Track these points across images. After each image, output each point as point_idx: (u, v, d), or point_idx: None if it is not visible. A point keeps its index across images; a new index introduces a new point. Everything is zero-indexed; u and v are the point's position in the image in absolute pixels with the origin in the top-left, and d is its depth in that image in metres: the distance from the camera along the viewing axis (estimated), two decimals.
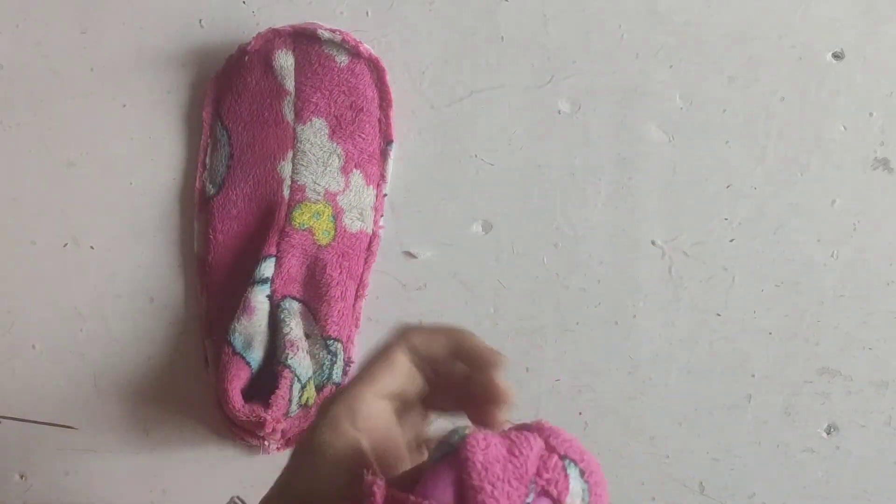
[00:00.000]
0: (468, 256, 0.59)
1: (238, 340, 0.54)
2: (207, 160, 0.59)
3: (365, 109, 0.57)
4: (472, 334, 0.37)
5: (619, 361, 0.58)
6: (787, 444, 0.58)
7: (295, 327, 0.55)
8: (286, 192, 0.57)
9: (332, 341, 0.55)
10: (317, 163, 0.57)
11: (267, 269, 0.56)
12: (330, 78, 0.57)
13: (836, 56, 0.57)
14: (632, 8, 0.58)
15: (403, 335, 0.37)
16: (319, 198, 0.57)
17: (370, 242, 0.58)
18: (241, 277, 0.57)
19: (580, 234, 0.58)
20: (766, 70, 0.57)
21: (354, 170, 0.57)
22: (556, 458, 0.31)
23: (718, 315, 0.58)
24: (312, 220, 0.57)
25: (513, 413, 0.36)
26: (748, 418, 0.58)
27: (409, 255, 0.59)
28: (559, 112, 0.58)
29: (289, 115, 0.57)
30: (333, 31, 0.56)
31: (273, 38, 0.56)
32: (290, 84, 0.57)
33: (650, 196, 0.58)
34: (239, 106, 0.57)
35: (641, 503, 0.59)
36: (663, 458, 0.59)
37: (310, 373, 0.55)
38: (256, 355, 0.55)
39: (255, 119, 0.57)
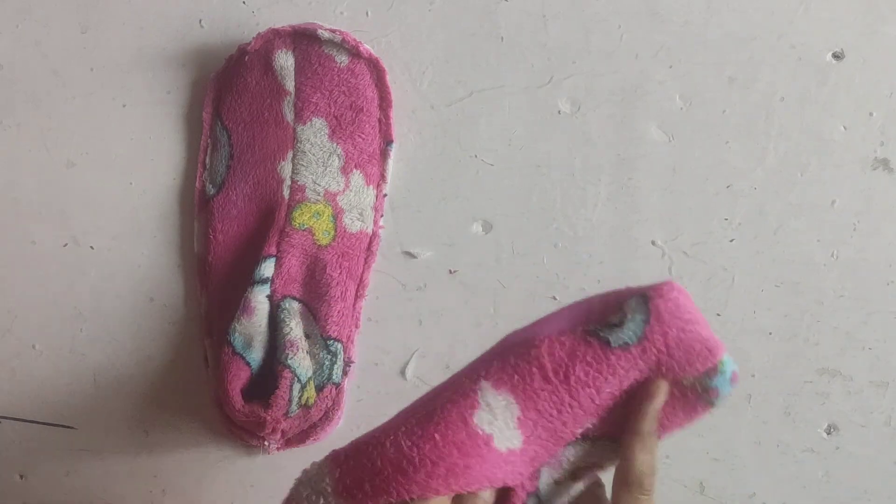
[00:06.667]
0: (468, 256, 0.59)
1: (238, 340, 0.54)
2: (207, 160, 0.59)
3: (365, 109, 0.57)
4: None
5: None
6: (787, 444, 0.58)
7: (295, 327, 0.55)
8: (286, 192, 0.57)
9: (332, 341, 0.56)
10: (317, 163, 0.57)
11: (267, 269, 0.56)
12: (330, 78, 0.57)
13: (836, 56, 0.57)
14: (632, 8, 0.58)
15: None
16: (319, 198, 0.57)
17: (370, 242, 0.58)
18: (241, 277, 0.57)
19: (580, 234, 0.58)
20: (766, 70, 0.57)
21: (354, 170, 0.57)
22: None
23: (718, 315, 0.58)
24: (312, 220, 0.57)
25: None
26: (748, 418, 0.58)
27: (409, 255, 0.59)
28: (559, 112, 0.58)
29: (289, 115, 0.57)
30: (333, 31, 0.56)
31: (273, 38, 0.56)
32: (290, 84, 0.57)
33: (650, 196, 0.58)
34: (239, 106, 0.57)
35: None
36: (663, 458, 0.59)
37: (310, 373, 0.55)
38: (256, 355, 0.55)
39: (255, 119, 0.57)
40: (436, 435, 0.37)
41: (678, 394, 0.38)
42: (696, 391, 0.38)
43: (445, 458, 0.36)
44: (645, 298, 0.38)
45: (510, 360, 0.38)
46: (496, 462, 0.37)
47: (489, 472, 0.37)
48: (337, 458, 0.38)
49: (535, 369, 0.38)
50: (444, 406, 0.38)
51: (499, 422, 0.37)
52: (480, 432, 0.37)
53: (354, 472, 0.37)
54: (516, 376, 0.38)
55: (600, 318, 0.38)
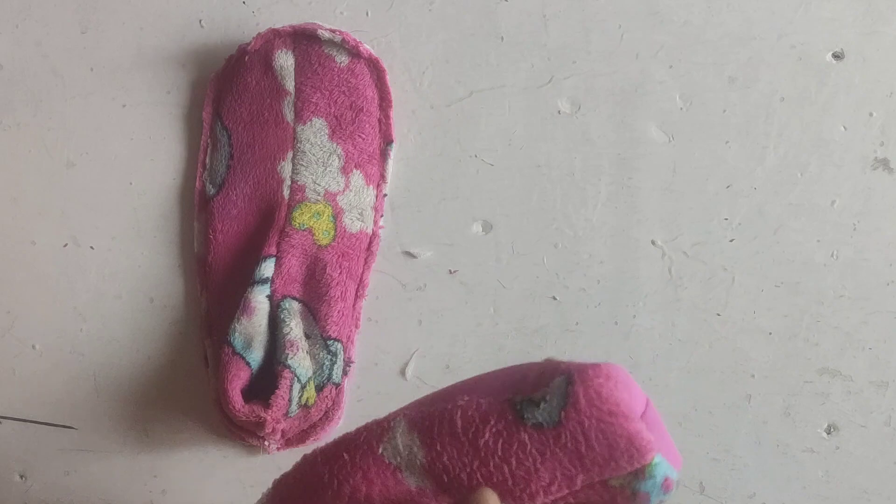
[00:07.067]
0: (468, 256, 0.59)
1: (238, 340, 0.54)
2: (207, 160, 0.59)
3: (365, 109, 0.57)
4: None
5: (619, 361, 0.58)
6: (787, 444, 0.58)
7: (295, 327, 0.55)
8: (286, 192, 0.57)
9: (332, 341, 0.56)
10: (317, 163, 0.57)
11: (267, 269, 0.56)
12: (330, 78, 0.57)
13: (836, 56, 0.57)
14: (632, 8, 0.58)
15: None
16: (319, 198, 0.57)
17: (370, 242, 0.58)
18: (241, 277, 0.57)
19: (580, 234, 0.58)
20: (766, 70, 0.57)
21: (354, 170, 0.57)
22: None
23: (718, 315, 0.58)
24: (312, 221, 0.57)
25: None
26: (748, 418, 0.58)
27: (409, 255, 0.59)
28: (559, 112, 0.58)
29: (289, 115, 0.57)
30: (333, 31, 0.56)
31: (273, 38, 0.56)
32: (290, 84, 0.57)
33: (650, 196, 0.58)
34: (239, 106, 0.57)
35: None
36: None
37: (310, 373, 0.55)
38: (256, 355, 0.55)
39: (255, 119, 0.57)
40: (344, 455, 0.36)
41: (606, 496, 0.34)
42: (625, 495, 0.34)
43: (350, 479, 0.35)
44: (568, 381, 0.34)
45: (430, 407, 0.37)
46: (404, 496, 0.35)
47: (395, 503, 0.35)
48: (276, 482, 0.38)
49: (445, 423, 0.35)
50: (358, 430, 0.37)
51: (402, 459, 0.35)
52: (386, 461, 0.36)
53: (281, 492, 0.37)
54: (428, 423, 0.36)
55: (529, 390, 0.35)
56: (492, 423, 0.35)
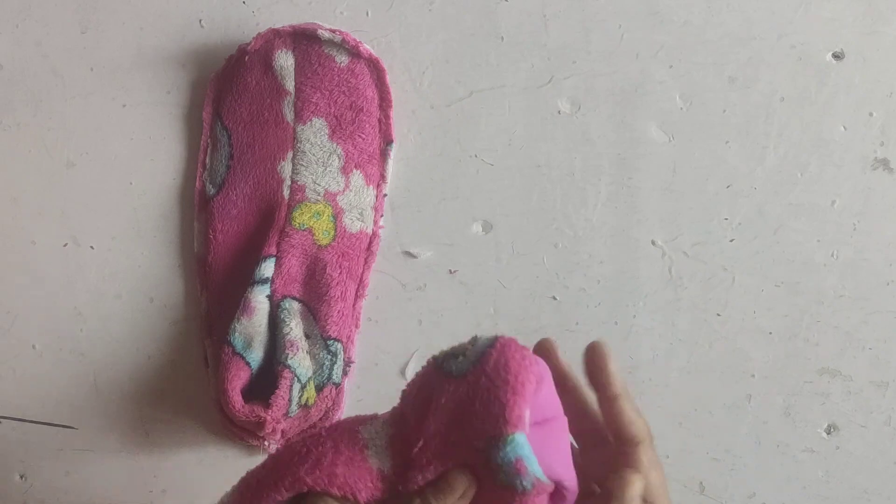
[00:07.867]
0: (468, 256, 0.59)
1: (238, 340, 0.54)
2: (207, 160, 0.59)
3: (365, 109, 0.57)
4: None
5: (619, 361, 0.58)
6: (787, 444, 0.58)
7: (295, 327, 0.55)
8: (286, 192, 0.57)
9: (332, 341, 0.56)
10: (317, 163, 0.57)
11: (267, 269, 0.56)
12: (330, 78, 0.57)
13: (836, 56, 0.57)
14: (632, 8, 0.58)
15: None
16: (319, 198, 0.57)
17: (370, 242, 0.58)
18: (241, 277, 0.57)
19: (580, 234, 0.58)
20: (766, 70, 0.57)
21: (354, 170, 0.57)
22: None
23: (718, 315, 0.58)
24: (312, 221, 0.57)
25: None
26: (748, 418, 0.58)
27: (409, 255, 0.59)
28: (559, 112, 0.58)
29: (289, 115, 0.57)
30: (333, 31, 0.56)
31: (273, 38, 0.57)
32: (290, 84, 0.57)
33: (650, 196, 0.58)
34: (239, 106, 0.57)
35: None
36: (663, 458, 0.58)
37: (310, 373, 0.55)
38: (256, 355, 0.55)
39: (255, 119, 0.57)
40: (322, 431, 0.38)
41: (471, 461, 0.36)
42: (481, 460, 0.36)
43: (319, 446, 0.37)
44: (490, 344, 0.37)
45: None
46: (363, 475, 0.37)
47: (353, 480, 0.37)
48: (241, 479, 0.39)
49: (407, 400, 0.39)
50: (346, 418, 0.40)
51: (374, 435, 0.38)
52: (359, 437, 0.38)
53: (249, 477, 0.38)
54: (397, 411, 0.39)
55: (451, 351, 0.38)
56: (425, 381, 0.38)
